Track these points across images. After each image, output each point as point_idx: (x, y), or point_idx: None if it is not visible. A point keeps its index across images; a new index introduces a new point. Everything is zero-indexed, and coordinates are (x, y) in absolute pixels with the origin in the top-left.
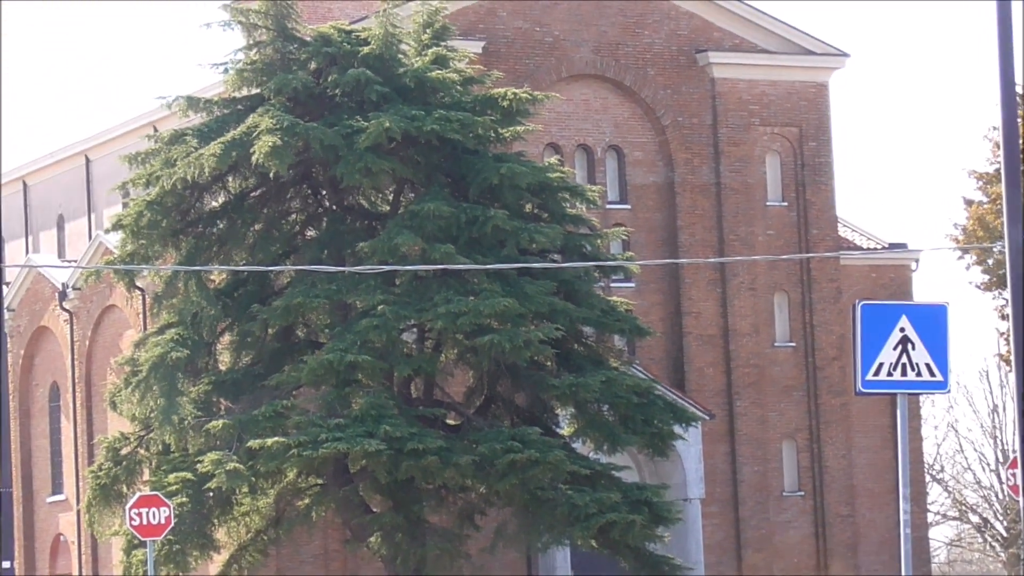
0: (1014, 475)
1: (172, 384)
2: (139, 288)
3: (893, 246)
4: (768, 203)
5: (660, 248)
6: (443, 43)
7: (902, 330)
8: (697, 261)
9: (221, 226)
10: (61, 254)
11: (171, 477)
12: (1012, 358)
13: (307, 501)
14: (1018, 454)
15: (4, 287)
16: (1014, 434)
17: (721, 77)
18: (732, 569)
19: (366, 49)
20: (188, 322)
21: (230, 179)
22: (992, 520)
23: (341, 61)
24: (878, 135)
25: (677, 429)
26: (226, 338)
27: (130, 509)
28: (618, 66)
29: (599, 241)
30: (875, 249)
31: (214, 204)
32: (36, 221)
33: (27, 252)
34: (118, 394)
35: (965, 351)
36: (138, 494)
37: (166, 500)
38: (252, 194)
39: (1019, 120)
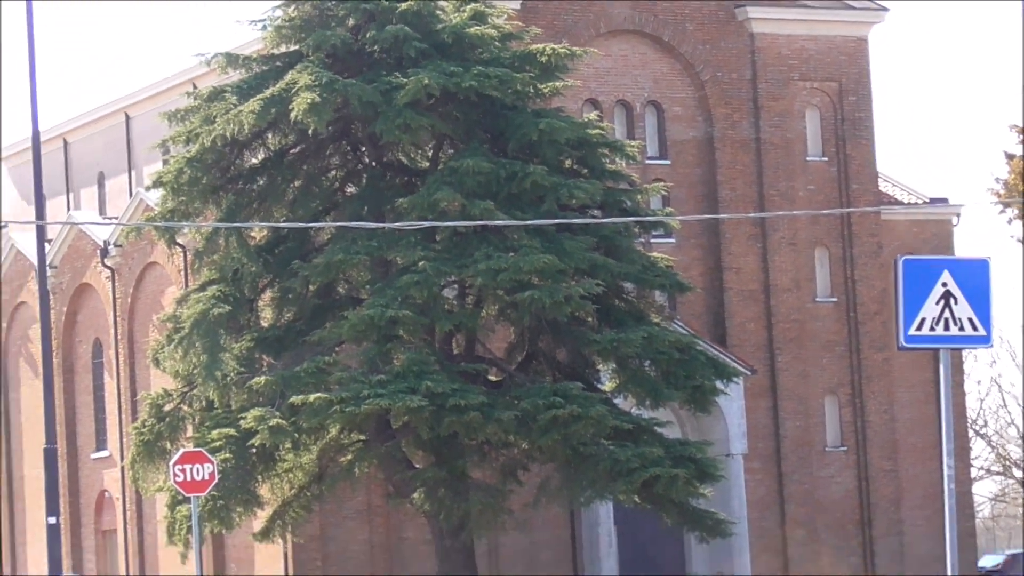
0: None
1: (214, 340)
2: (180, 245)
3: (934, 201)
4: (808, 158)
5: (700, 203)
6: None
7: (944, 285)
8: (737, 216)
9: (261, 183)
10: (102, 211)
11: (214, 433)
12: None
13: (350, 457)
14: None
15: (46, 244)
16: None
17: (760, 32)
18: (775, 524)
19: (404, 5)
20: (229, 279)
21: (269, 136)
22: None
23: (379, 17)
24: (918, 89)
25: (719, 384)
26: (267, 294)
27: (174, 465)
28: (656, 21)
29: (639, 196)
30: (916, 204)
31: (254, 161)
32: (77, 179)
33: (68, 209)
34: (161, 351)
35: (1007, 306)
36: (182, 450)
37: (210, 456)
38: (292, 151)
39: None
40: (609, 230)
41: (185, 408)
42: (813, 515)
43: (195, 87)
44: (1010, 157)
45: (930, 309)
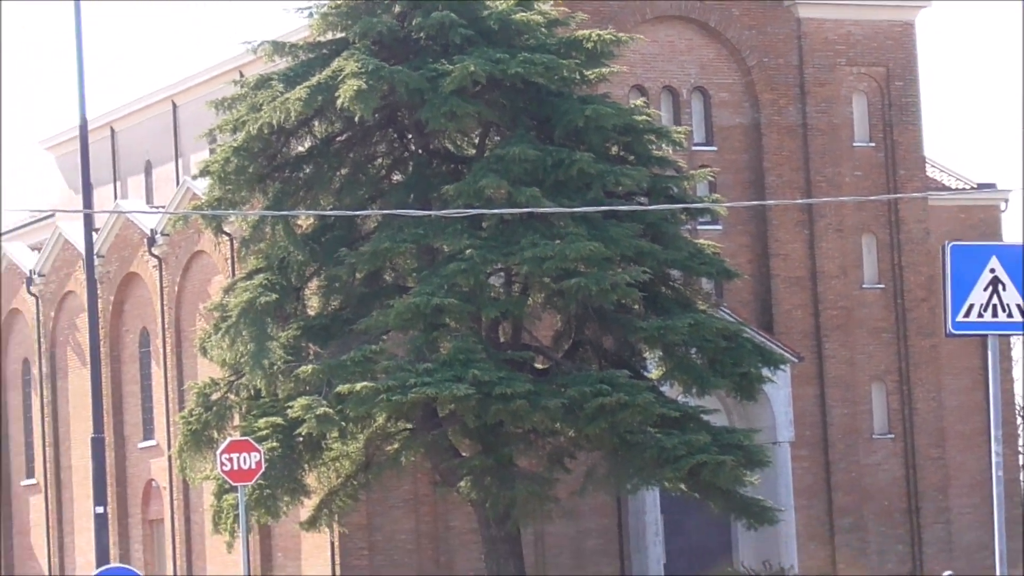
0: None
1: (261, 329)
2: (227, 233)
3: (982, 186)
4: (855, 143)
5: (746, 190)
6: None
7: (992, 271)
8: (784, 203)
9: (307, 171)
10: (149, 200)
11: (261, 422)
12: None
13: (396, 446)
14: None
15: (94, 234)
16: None
17: (807, 17)
18: (822, 512)
19: None
20: (276, 267)
21: (316, 124)
22: None
23: (425, 4)
24: (965, 73)
25: (765, 372)
26: (314, 283)
27: (221, 454)
28: (703, 7)
29: (685, 183)
30: (963, 189)
31: (300, 149)
32: (124, 167)
33: (115, 198)
34: (208, 339)
35: None
36: (229, 439)
37: (256, 445)
38: (338, 138)
39: None
40: (655, 217)
41: (232, 397)
42: (860, 503)
43: (242, 75)
44: None
45: (978, 295)
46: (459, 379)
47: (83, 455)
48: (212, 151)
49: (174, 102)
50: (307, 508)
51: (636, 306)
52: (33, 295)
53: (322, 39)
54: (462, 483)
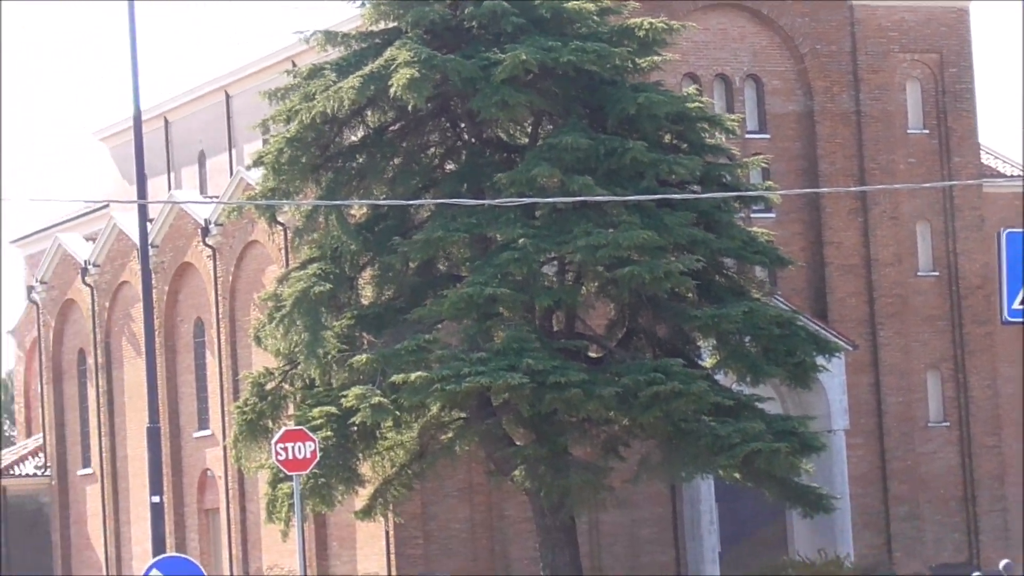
0: None
1: (315, 319)
2: (280, 223)
3: None
4: (909, 131)
5: (800, 177)
6: None
7: None
8: (838, 191)
9: (360, 160)
10: (203, 190)
11: (316, 411)
12: None
13: (450, 435)
14: None
15: (148, 224)
16: None
17: (860, 3)
18: (877, 500)
19: None
20: (329, 257)
21: (369, 113)
22: None
23: None
24: (1020, 60)
25: (820, 360)
26: (367, 272)
27: (276, 444)
28: None
29: (739, 171)
30: (1018, 176)
31: (353, 139)
32: (178, 157)
33: (169, 188)
34: (262, 329)
35: None
36: (283, 429)
37: (311, 435)
38: (391, 128)
39: None
40: (709, 205)
41: (286, 387)
42: (916, 491)
43: (294, 65)
44: None
45: None
46: (513, 368)
47: (139, 445)
48: (265, 141)
49: (227, 92)
50: (362, 497)
51: (690, 294)
52: (88, 285)
53: (374, 29)
54: (516, 472)
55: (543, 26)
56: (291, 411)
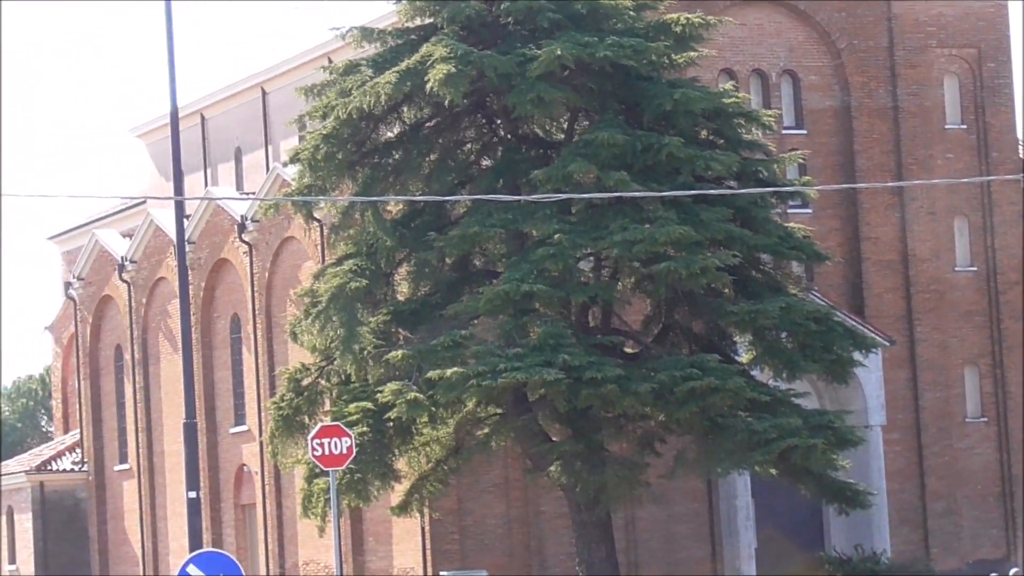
0: None
1: (351, 314)
2: (317, 220)
3: None
4: (947, 126)
5: (837, 173)
6: None
7: None
8: (875, 186)
9: (396, 156)
10: (239, 186)
11: (352, 407)
12: None
13: (486, 430)
14: None
15: (185, 220)
16: None
17: None
18: (915, 496)
19: None
20: (365, 253)
21: (405, 109)
22: None
23: None
24: None
25: (857, 355)
26: (403, 268)
27: (312, 439)
28: None
29: (775, 166)
30: None
31: (389, 135)
32: (214, 154)
33: (206, 185)
34: (298, 325)
35: None
36: (320, 424)
37: (347, 430)
38: (427, 124)
39: None
40: (745, 201)
41: (323, 382)
42: (953, 487)
43: (330, 61)
44: None
45: None
46: (549, 364)
47: (175, 440)
48: (301, 138)
49: (263, 89)
50: (398, 493)
51: (726, 290)
52: (125, 282)
53: (410, 25)
54: (552, 468)
55: (579, 22)
56: (327, 407)
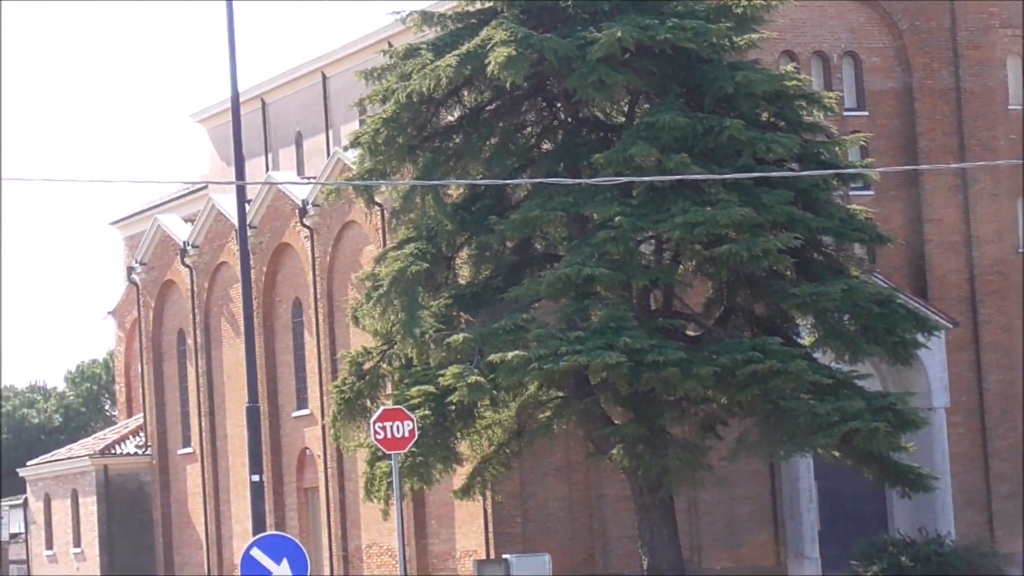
0: None
1: (412, 298)
2: (378, 204)
3: None
4: (1010, 107)
5: (899, 154)
6: None
7: None
8: (938, 167)
9: (457, 140)
10: (300, 171)
11: (413, 391)
12: None
13: (548, 414)
14: None
15: (246, 204)
16: None
17: None
18: (979, 479)
19: None
20: (426, 236)
21: (465, 93)
22: None
23: None
24: None
25: (920, 338)
26: (464, 252)
27: (374, 423)
28: None
29: (837, 149)
30: None
31: (450, 119)
32: (275, 139)
33: (267, 170)
34: (360, 309)
35: None
36: (382, 408)
37: (409, 414)
38: (487, 108)
39: None
40: (807, 183)
41: (384, 366)
42: (1017, 469)
43: (390, 45)
44: None
45: None
46: (610, 347)
47: (238, 424)
48: (362, 122)
49: (324, 73)
50: (460, 476)
51: (788, 272)
52: (187, 266)
53: (470, 8)
54: (614, 451)
55: (639, 4)
56: (389, 390)
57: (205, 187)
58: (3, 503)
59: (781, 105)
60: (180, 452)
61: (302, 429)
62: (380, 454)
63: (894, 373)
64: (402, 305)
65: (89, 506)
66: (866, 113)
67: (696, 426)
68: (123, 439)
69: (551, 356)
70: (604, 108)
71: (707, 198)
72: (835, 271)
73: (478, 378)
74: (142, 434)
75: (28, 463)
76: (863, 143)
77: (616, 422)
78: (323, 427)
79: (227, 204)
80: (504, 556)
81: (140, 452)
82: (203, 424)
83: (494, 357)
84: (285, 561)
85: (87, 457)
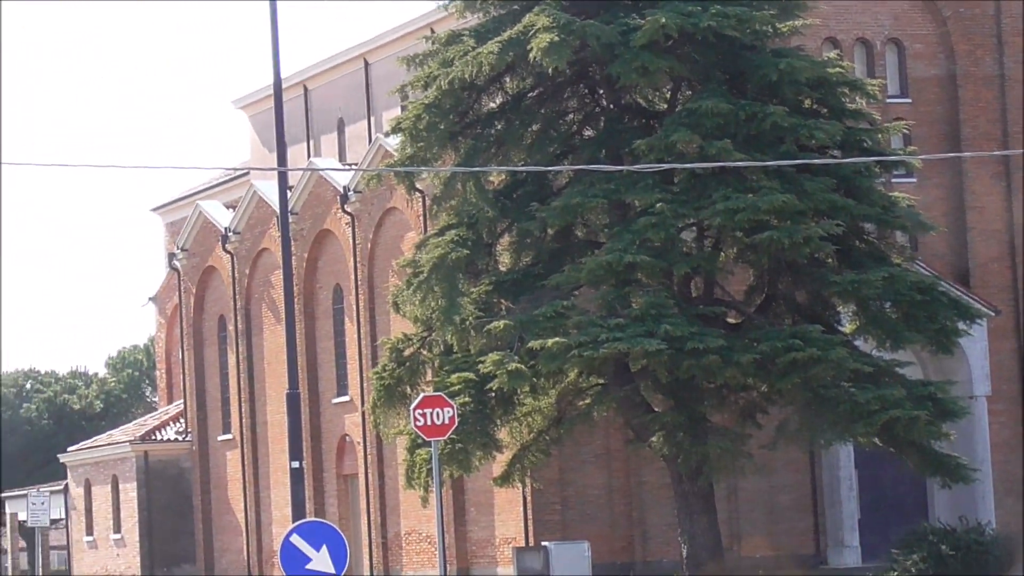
0: None
1: (453, 285)
2: (419, 190)
3: None
4: None
5: (942, 142)
6: None
7: None
8: (981, 154)
9: (499, 127)
10: (342, 157)
11: (454, 377)
12: None
13: (588, 401)
14: None
15: (288, 191)
16: None
17: None
18: (1019, 467)
19: None
20: (467, 223)
21: (507, 79)
22: None
23: None
24: None
25: (961, 326)
26: (505, 239)
27: (414, 410)
28: None
29: (879, 136)
30: None
31: (491, 105)
32: (317, 125)
33: (309, 156)
34: (400, 295)
35: None
36: (422, 395)
37: (449, 400)
38: (529, 94)
39: None
40: (849, 170)
41: (425, 352)
42: None
43: (433, 31)
44: None
45: None
46: (651, 334)
47: (278, 411)
48: (404, 108)
49: (366, 60)
50: (500, 463)
51: (829, 260)
52: (228, 252)
53: None
54: (654, 438)
55: None
56: (429, 377)
57: (246, 173)
58: (44, 489)
59: (824, 92)
60: (220, 438)
61: (342, 416)
62: (420, 441)
63: (935, 361)
64: (442, 292)
65: (129, 492)
66: (909, 100)
67: (736, 414)
68: (163, 425)
69: (591, 343)
70: (646, 95)
71: (749, 185)
72: (877, 258)
73: (518, 365)
74: (182, 420)
75: (69, 449)
76: (906, 130)
77: (656, 410)
78: (363, 414)
79: (268, 190)
80: (543, 543)
81: (180, 438)
82: (243, 410)
83: (534, 344)
84: (324, 548)
85: (127, 443)
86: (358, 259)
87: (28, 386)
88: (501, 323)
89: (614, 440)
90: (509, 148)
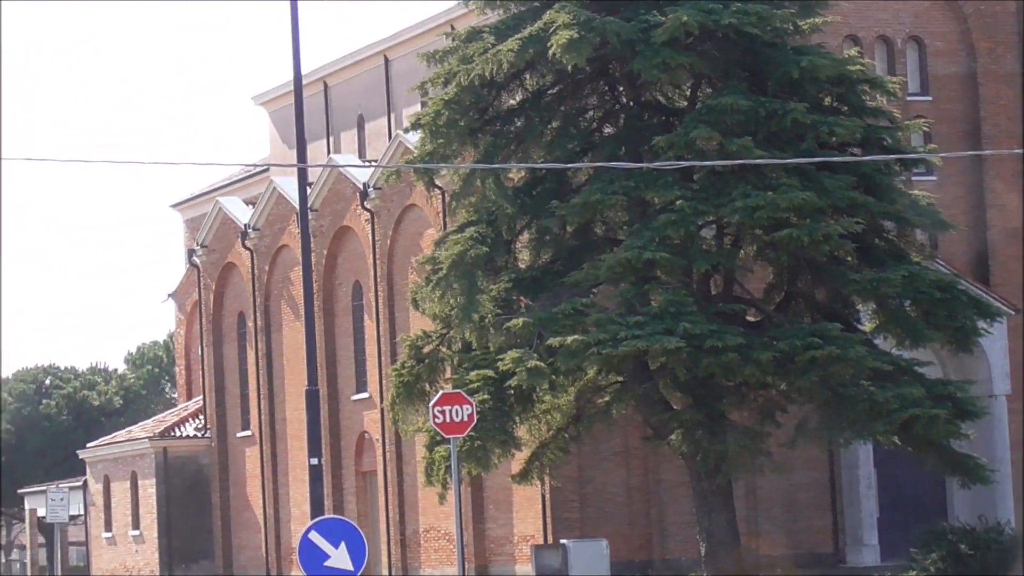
0: None
1: (472, 282)
2: (438, 187)
3: None
4: None
5: (962, 140)
6: None
7: None
8: (1001, 152)
9: (518, 124)
10: (361, 154)
11: (473, 375)
12: None
13: (607, 398)
14: None
15: (307, 187)
16: None
17: None
18: None
19: None
20: (486, 220)
21: (527, 76)
22: None
23: None
24: None
25: (981, 324)
26: (524, 236)
27: (433, 407)
28: None
29: (900, 134)
30: None
31: (511, 102)
32: (337, 121)
33: (328, 152)
34: (419, 292)
35: None
36: (441, 392)
37: (468, 398)
38: (549, 91)
39: None
40: (869, 168)
41: (444, 350)
42: None
43: (453, 28)
44: None
45: None
46: (670, 332)
47: (297, 407)
48: (423, 104)
49: (386, 56)
50: (518, 461)
51: (849, 258)
52: (248, 249)
53: None
54: (673, 436)
55: None
56: (448, 374)
57: (266, 170)
58: (63, 485)
59: (844, 89)
60: (239, 435)
61: (361, 413)
62: (439, 438)
63: (955, 360)
64: (461, 289)
65: (148, 488)
66: (929, 98)
67: (755, 412)
68: (182, 421)
69: (610, 341)
70: (666, 92)
71: (768, 182)
72: (897, 257)
73: (537, 362)
74: (201, 417)
75: (88, 445)
76: (926, 128)
77: (675, 407)
78: (382, 411)
79: (288, 187)
80: (562, 541)
81: (199, 435)
82: (262, 407)
83: (553, 341)
84: (343, 545)
85: (146, 439)
86: (377, 256)
87: (48, 382)
88: (520, 320)
89: (633, 438)
90: (529, 145)
